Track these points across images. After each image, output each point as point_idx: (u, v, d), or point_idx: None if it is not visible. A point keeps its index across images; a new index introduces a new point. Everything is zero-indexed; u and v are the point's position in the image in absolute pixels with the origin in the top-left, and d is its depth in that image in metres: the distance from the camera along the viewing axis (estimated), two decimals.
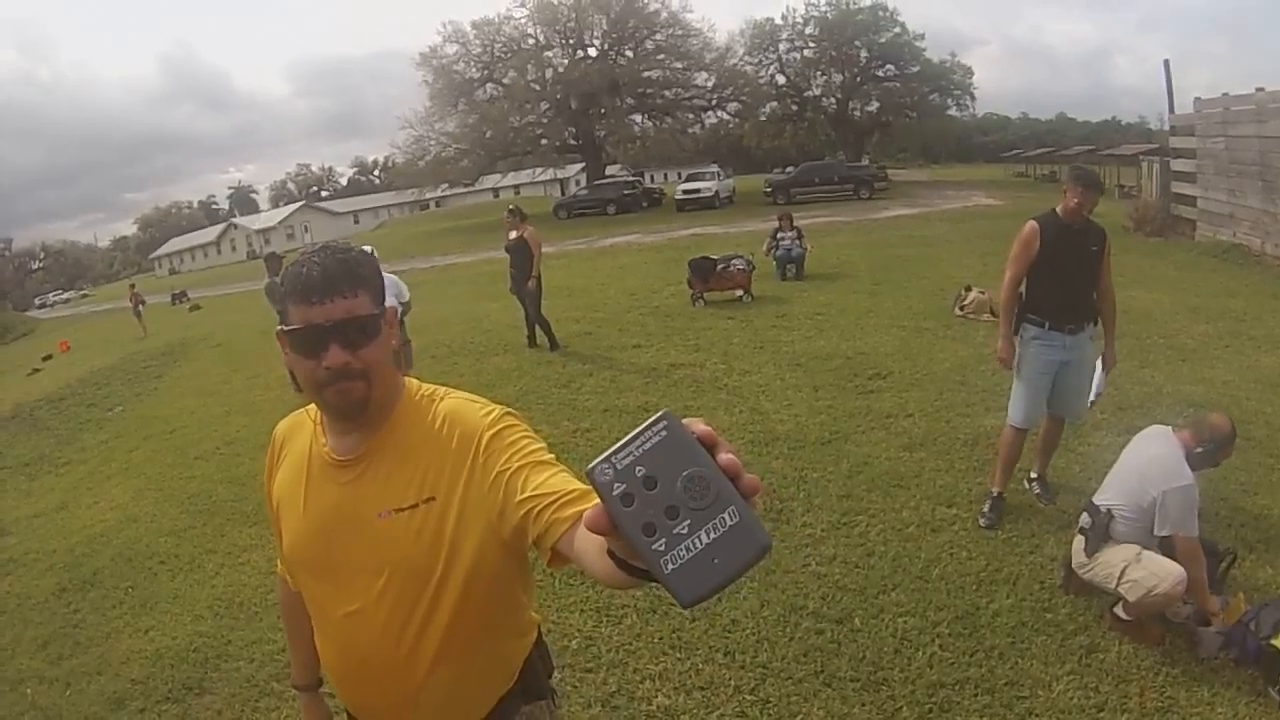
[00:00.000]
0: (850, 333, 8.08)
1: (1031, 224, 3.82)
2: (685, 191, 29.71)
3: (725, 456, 0.63)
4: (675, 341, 8.43)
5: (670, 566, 0.59)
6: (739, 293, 10.25)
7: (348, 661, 1.31)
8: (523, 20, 37.39)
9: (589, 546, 0.93)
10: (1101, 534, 3.04)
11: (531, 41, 37.60)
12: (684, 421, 0.64)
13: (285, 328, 1.20)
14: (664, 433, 0.62)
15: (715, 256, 10.67)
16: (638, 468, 0.61)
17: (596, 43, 37.74)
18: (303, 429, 1.36)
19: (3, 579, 4.87)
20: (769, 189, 29.21)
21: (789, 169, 35.05)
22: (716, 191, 29.54)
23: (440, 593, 1.22)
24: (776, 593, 3.47)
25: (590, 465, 0.62)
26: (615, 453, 0.62)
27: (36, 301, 59.63)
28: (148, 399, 10.14)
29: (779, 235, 11.66)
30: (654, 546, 0.60)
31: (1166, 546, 2.96)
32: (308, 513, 1.29)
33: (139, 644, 3.78)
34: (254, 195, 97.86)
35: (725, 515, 0.60)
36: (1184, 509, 2.87)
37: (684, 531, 0.60)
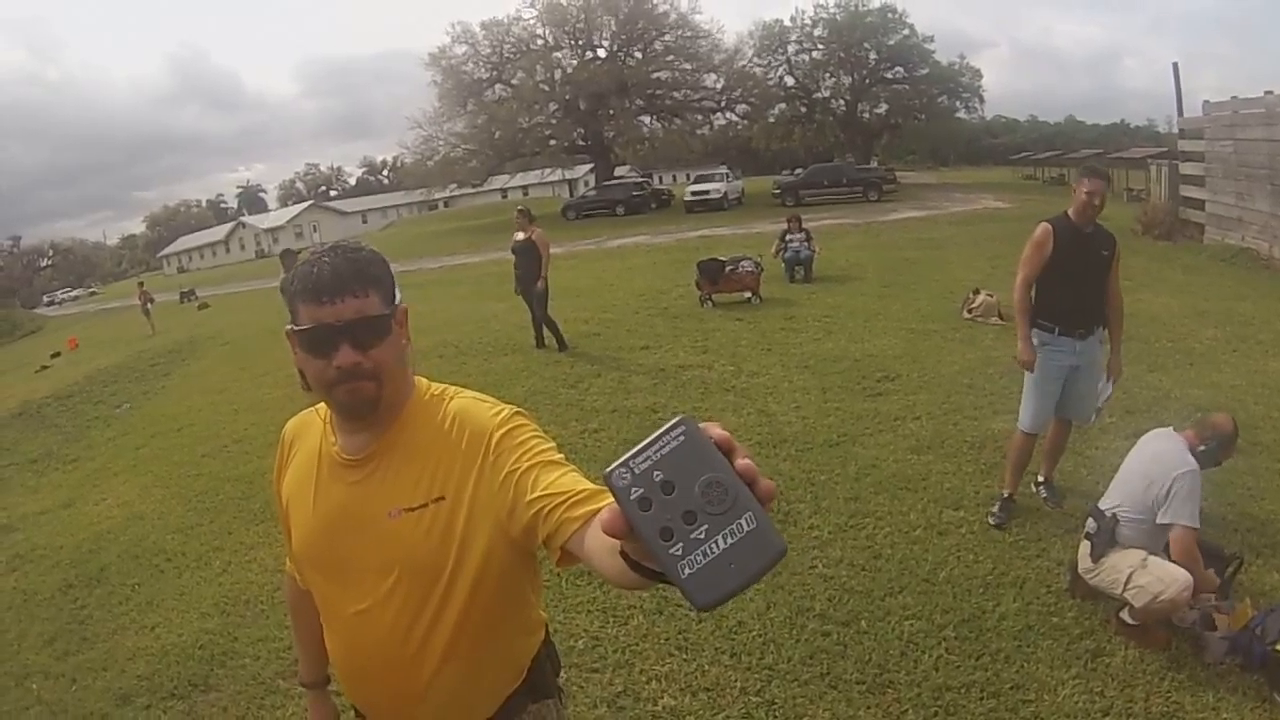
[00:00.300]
0: (858, 335, 8.07)
1: (1044, 225, 3.81)
2: (694, 193, 29.63)
3: (742, 462, 0.63)
4: (683, 343, 8.42)
5: (687, 571, 0.59)
6: (747, 294, 10.24)
7: (355, 659, 1.31)
8: (531, 21, 37.44)
9: (599, 546, 0.93)
10: (1107, 539, 3.03)
11: (540, 42, 37.61)
12: (701, 426, 0.63)
13: (295, 327, 1.19)
14: (682, 437, 0.62)
15: (724, 258, 10.65)
16: (656, 472, 0.61)
17: (605, 44, 37.73)
18: (312, 428, 1.36)
19: (9, 575, 4.90)
20: (777, 191, 29.11)
21: (798, 171, 34.95)
22: (725, 193, 29.45)
23: (449, 592, 1.22)
24: (783, 594, 3.46)
25: (608, 469, 0.62)
26: (633, 457, 0.62)
27: (45, 299, 60.02)
28: (156, 397, 10.19)
29: (787, 237, 11.65)
30: (671, 551, 0.60)
31: None
32: (317, 511, 1.30)
33: (145, 640, 3.79)
34: (262, 194, 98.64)
35: (742, 521, 0.60)
36: (1187, 495, 2.87)
37: (701, 537, 0.60)
